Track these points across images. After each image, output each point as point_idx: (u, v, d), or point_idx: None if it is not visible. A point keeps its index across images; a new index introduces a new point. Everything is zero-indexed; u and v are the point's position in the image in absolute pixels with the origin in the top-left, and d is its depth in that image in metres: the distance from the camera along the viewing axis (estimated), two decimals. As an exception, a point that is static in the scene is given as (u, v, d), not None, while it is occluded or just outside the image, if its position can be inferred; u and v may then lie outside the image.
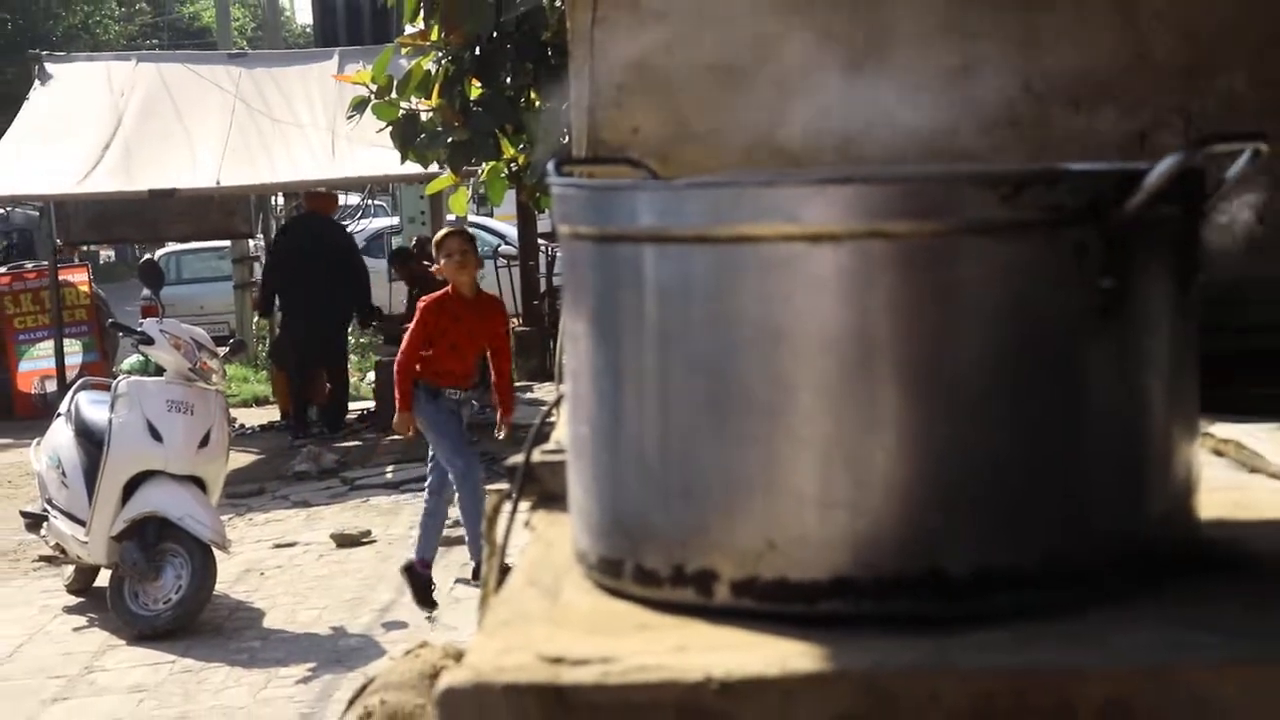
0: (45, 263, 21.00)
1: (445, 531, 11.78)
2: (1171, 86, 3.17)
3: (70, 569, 11.00)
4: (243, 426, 18.36)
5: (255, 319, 24.60)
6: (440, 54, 10.79)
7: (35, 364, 20.53)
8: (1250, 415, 2.43)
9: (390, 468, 15.48)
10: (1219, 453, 2.35)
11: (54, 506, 10.57)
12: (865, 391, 1.58)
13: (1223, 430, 2.38)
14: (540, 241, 21.34)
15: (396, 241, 23.04)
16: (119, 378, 10.93)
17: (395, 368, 10.13)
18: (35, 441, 11.39)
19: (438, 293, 10.57)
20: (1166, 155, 1.59)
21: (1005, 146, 3.12)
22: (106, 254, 42.11)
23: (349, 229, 23.30)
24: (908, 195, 1.59)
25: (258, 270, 24.92)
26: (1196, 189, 1.70)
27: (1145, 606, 1.62)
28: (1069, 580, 1.61)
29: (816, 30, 3.17)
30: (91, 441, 10.31)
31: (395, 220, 24.27)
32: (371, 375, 20.16)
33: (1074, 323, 1.60)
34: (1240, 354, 2.72)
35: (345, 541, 12.27)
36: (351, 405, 19.60)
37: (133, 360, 12.74)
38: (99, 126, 19.21)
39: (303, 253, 17.28)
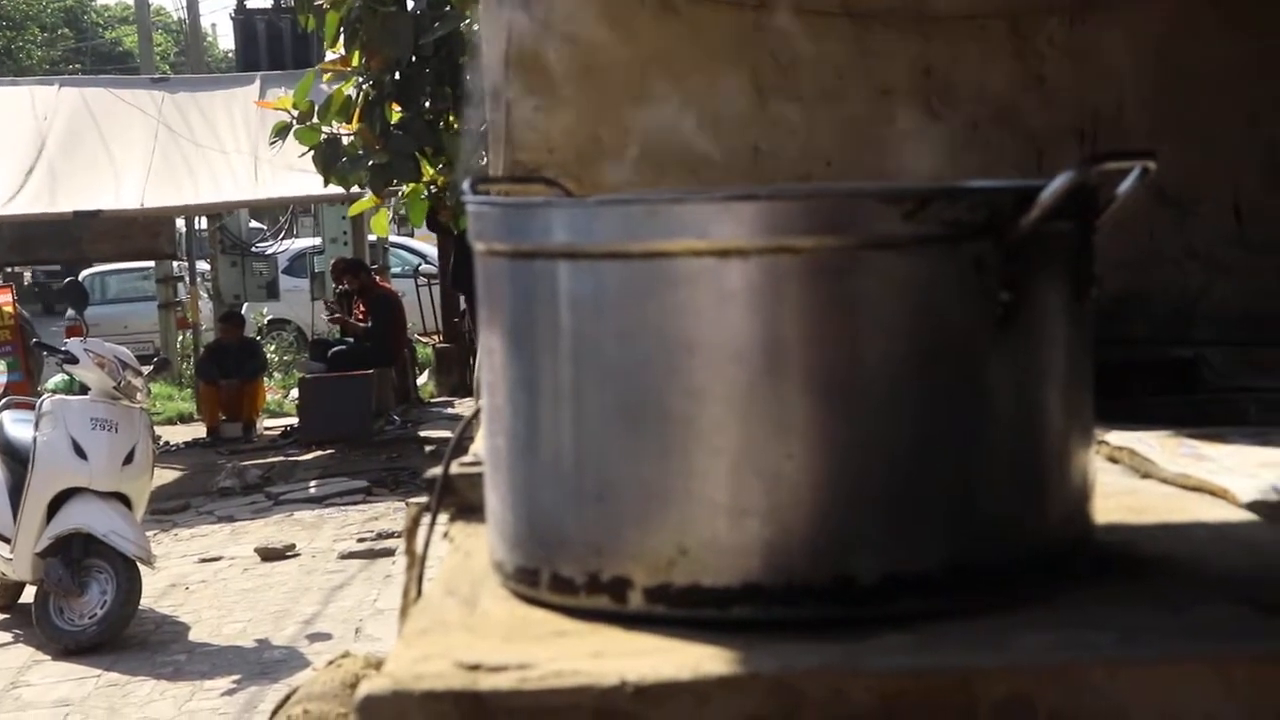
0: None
1: (369, 544, 11.80)
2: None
3: (-5, 586, 10.97)
4: (167, 444, 18.31)
5: (180, 338, 24.51)
6: (361, 79, 10.84)
7: (-39, 384, 20.38)
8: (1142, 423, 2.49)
9: (314, 483, 15.50)
10: (1113, 459, 2.39)
11: (-22, 525, 10.54)
12: (773, 401, 1.61)
13: (1116, 438, 2.42)
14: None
15: (319, 262, 23.04)
16: (44, 396, 10.91)
17: None
18: (-40, 461, 11.34)
19: None
20: (1060, 172, 1.64)
21: (910, 164, 3.18)
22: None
23: (269, 250, 23.31)
24: (813, 211, 1.62)
25: (182, 290, 24.86)
26: (1089, 205, 1.75)
27: (1044, 608, 1.66)
28: (972, 584, 1.65)
29: (727, 52, 3.22)
30: (16, 460, 10.29)
31: (318, 241, 24.22)
32: (295, 392, 20.18)
33: (974, 334, 1.64)
34: (1130, 364, 2.78)
35: (270, 555, 12.29)
36: (275, 421, 19.66)
37: (57, 379, 12.73)
38: (22, 150, 19.21)
39: None
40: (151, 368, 12.80)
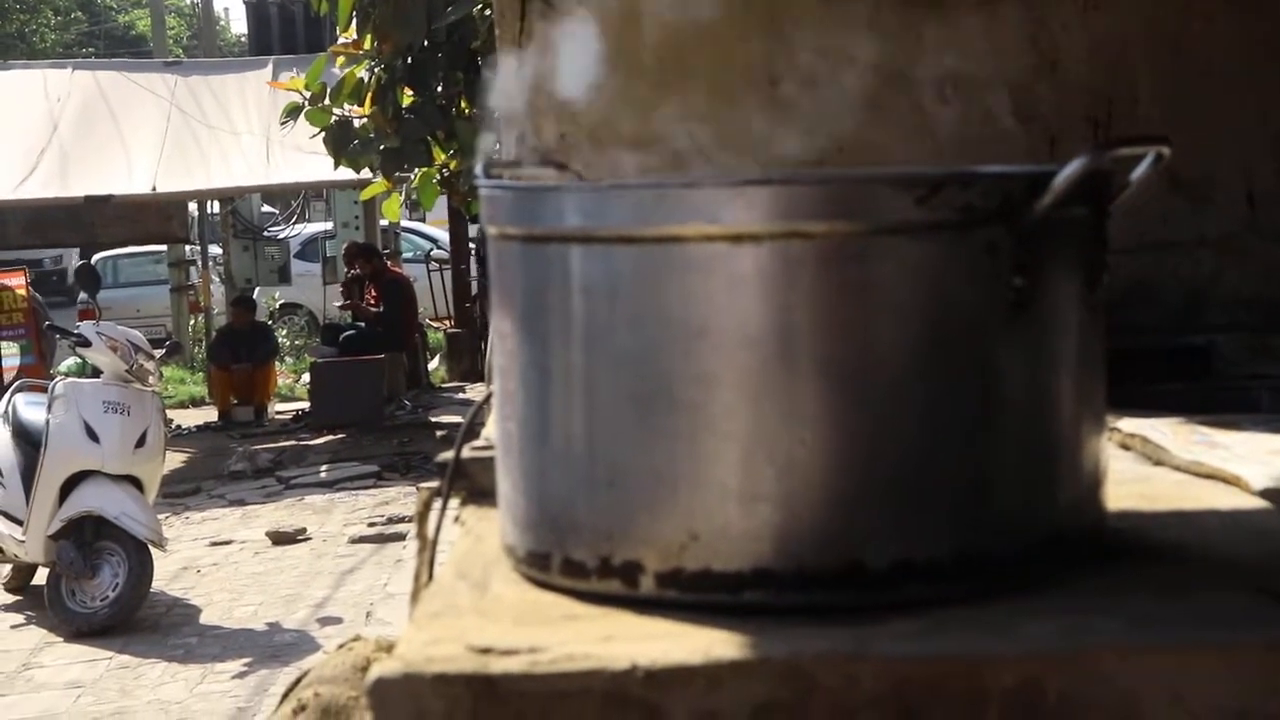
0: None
1: (380, 528, 11.80)
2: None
3: (7, 568, 11.02)
4: (179, 427, 18.33)
5: (192, 322, 24.54)
6: (373, 62, 10.84)
7: (-27, 367, 20.40)
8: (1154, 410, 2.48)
9: (324, 467, 15.52)
10: (1125, 446, 2.39)
11: (-9, 506, 10.57)
12: (785, 387, 1.61)
13: (1128, 425, 2.42)
14: (471, 245, 21.37)
15: (330, 246, 23.06)
16: (56, 379, 10.93)
17: None
18: (-28, 443, 11.37)
19: None
20: (1074, 158, 1.64)
21: (922, 151, 3.18)
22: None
23: (281, 234, 23.32)
24: (825, 197, 1.62)
25: (194, 274, 24.87)
26: (1102, 190, 1.74)
27: (1055, 595, 1.66)
28: (983, 570, 1.65)
29: (740, 36, 3.21)
30: (29, 442, 10.31)
31: (330, 225, 24.22)
32: (306, 377, 20.21)
33: (986, 320, 1.64)
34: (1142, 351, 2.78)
35: (281, 539, 12.32)
36: (286, 406, 19.69)
37: (70, 362, 12.75)
38: (35, 133, 19.23)
39: None
40: (163, 351, 12.82)
